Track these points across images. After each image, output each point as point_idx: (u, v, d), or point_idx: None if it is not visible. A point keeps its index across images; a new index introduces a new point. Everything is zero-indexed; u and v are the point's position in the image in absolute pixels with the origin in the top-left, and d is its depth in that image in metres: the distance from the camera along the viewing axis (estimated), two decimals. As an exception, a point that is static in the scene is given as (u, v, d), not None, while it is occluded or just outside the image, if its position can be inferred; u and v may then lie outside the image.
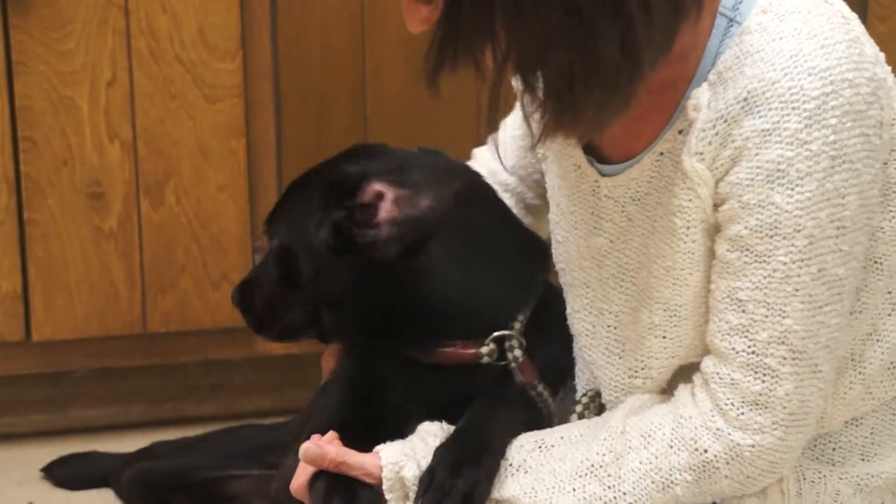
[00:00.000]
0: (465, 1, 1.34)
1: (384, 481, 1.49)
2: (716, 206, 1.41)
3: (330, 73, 2.60)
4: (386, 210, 1.58)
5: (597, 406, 1.61)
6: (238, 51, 2.46)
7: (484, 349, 1.63)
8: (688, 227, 1.43)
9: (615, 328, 1.54)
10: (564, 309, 1.69)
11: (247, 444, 1.87)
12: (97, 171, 2.46)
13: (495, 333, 1.63)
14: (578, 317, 1.59)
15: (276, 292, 1.72)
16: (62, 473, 2.51)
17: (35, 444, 2.57)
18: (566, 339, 1.68)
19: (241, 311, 1.78)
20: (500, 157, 1.80)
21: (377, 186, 1.59)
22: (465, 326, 1.63)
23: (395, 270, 1.60)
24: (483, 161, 1.88)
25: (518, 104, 1.73)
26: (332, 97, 2.62)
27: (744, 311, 1.40)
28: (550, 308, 1.68)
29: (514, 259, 1.69)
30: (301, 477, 1.53)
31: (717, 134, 1.38)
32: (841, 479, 1.52)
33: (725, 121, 1.37)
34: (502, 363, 1.64)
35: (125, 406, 2.66)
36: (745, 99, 1.36)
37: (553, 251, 1.66)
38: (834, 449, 1.53)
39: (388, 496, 1.49)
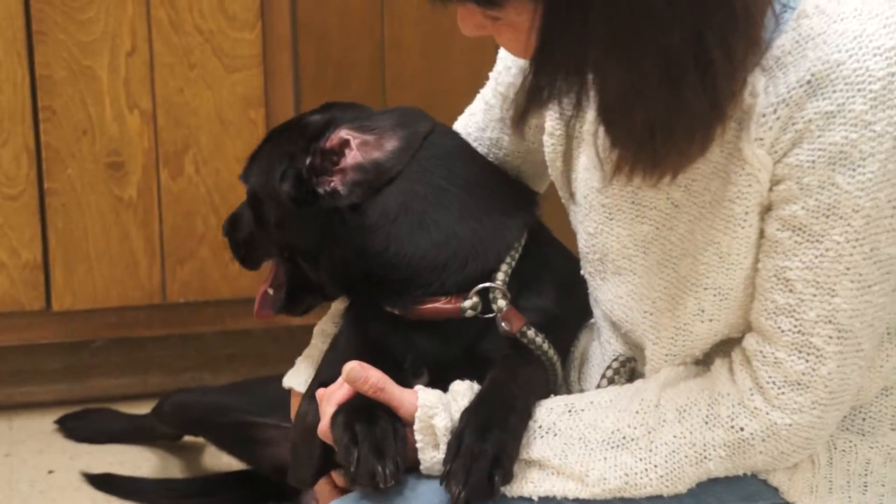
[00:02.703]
0: (559, 43, 1.33)
1: (417, 422, 1.49)
2: (769, 187, 1.41)
3: (349, 43, 2.60)
4: (352, 156, 1.59)
5: (627, 371, 1.60)
6: (257, 20, 2.46)
7: (467, 303, 1.60)
8: (746, 213, 1.42)
9: (651, 314, 1.53)
10: (554, 252, 1.69)
11: (287, 396, 1.89)
12: (117, 141, 2.46)
13: (479, 286, 1.61)
14: (621, 302, 1.58)
15: (253, 232, 1.77)
16: (74, 426, 2.56)
17: (55, 413, 2.58)
18: (557, 285, 1.67)
19: (229, 244, 1.84)
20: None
21: (343, 133, 1.60)
22: (443, 280, 1.61)
23: (356, 221, 1.60)
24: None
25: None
26: (351, 67, 2.61)
27: (791, 291, 1.41)
28: (538, 252, 1.66)
29: (492, 206, 1.65)
30: (325, 418, 1.54)
31: (778, 118, 1.37)
32: (871, 448, 1.52)
33: (787, 105, 1.36)
34: (489, 315, 1.61)
35: (144, 376, 2.67)
36: (809, 82, 1.35)
37: (583, 243, 1.64)
38: (864, 419, 1.53)
39: (417, 437, 1.49)
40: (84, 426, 2.55)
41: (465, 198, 1.63)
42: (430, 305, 1.61)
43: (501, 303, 1.60)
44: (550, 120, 1.64)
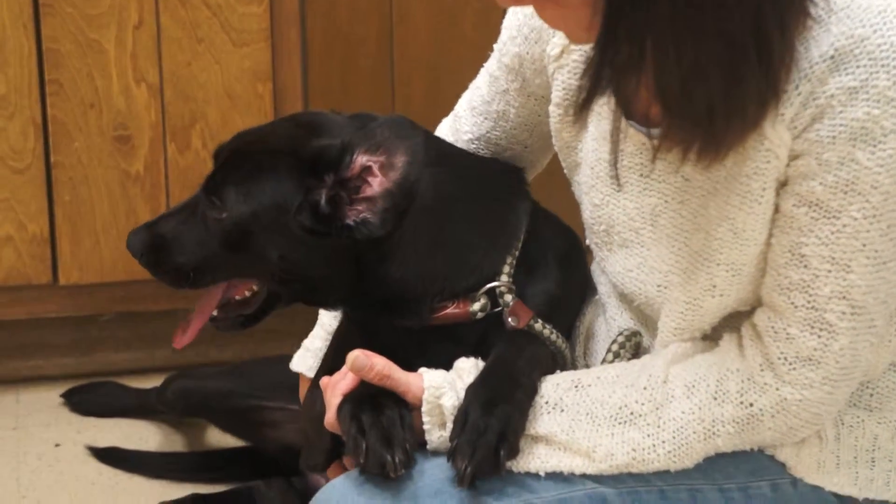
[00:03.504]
0: (622, 27, 1.32)
1: (424, 404, 1.49)
2: (787, 162, 1.41)
3: (357, 17, 2.59)
4: (377, 183, 1.52)
5: (633, 345, 1.61)
6: (265, -5, 2.46)
7: (476, 306, 1.60)
8: (764, 189, 1.42)
9: (665, 288, 1.53)
10: (551, 229, 1.68)
11: (290, 377, 1.89)
12: (124, 115, 2.46)
13: (485, 287, 1.60)
14: (631, 276, 1.57)
15: (219, 259, 1.62)
16: (80, 400, 2.57)
17: (62, 387, 2.59)
18: (558, 264, 1.66)
19: (150, 266, 1.66)
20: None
21: (363, 158, 1.52)
22: (454, 287, 1.60)
23: (376, 246, 1.56)
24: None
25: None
26: (359, 41, 2.61)
27: (806, 267, 1.40)
28: (537, 234, 1.65)
29: (494, 202, 1.64)
30: (331, 410, 1.54)
31: (799, 94, 1.36)
32: (879, 423, 1.52)
33: (809, 80, 1.36)
34: (497, 310, 1.61)
35: (151, 350, 2.67)
36: (832, 57, 1.35)
37: (588, 214, 1.64)
38: (872, 394, 1.53)
39: (425, 419, 1.49)
40: (90, 400, 2.56)
41: (469, 200, 1.62)
42: (440, 314, 1.60)
43: (508, 297, 1.60)
44: (557, 90, 1.63)
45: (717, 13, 1.29)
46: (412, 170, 1.51)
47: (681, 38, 1.30)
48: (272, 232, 1.57)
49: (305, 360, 1.85)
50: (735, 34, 1.30)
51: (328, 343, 1.82)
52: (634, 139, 1.52)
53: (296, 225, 1.55)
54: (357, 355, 1.51)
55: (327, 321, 1.83)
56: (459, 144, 1.77)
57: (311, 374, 1.82)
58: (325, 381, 1.57)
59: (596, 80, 1.37)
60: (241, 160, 1.62)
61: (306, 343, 1.86)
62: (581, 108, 1.41)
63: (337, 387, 1.53)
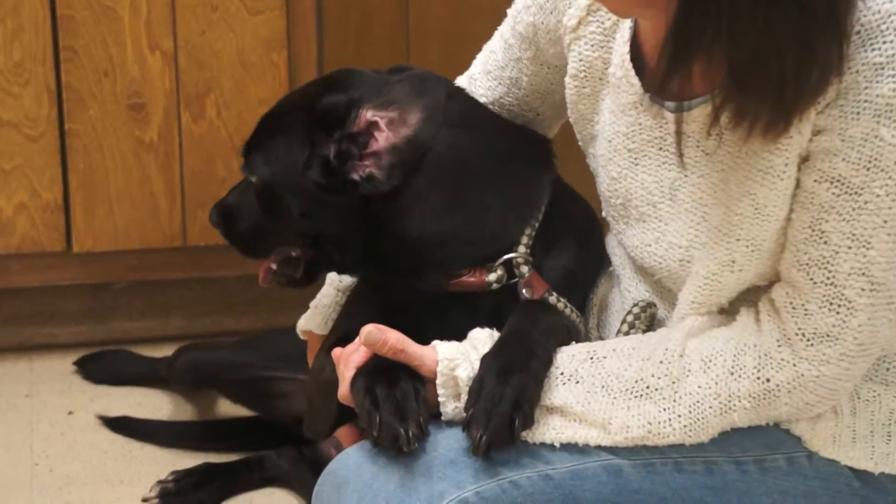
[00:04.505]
0: (700, 7, 1.31)
1: (439, 376, 1.49)
2: (809, 138, 1.40)
3: (372, -15, 2.58)
4: (383, 138, 1.52)
5: (647, 317, 1.60)
6: (280, -38, 2.44)
7: (492, 276, 1.60)
8: (786, 165, 1.41)
9: (688, 263, 1.52)
10: (571, 205, 1.68)
11: (299, 348, 1.89)
12: (138, 83, 2.45)
13: (503, 258, 1.60)
14: (650, 250, 1.56)
15: (262, 223, 1.67)
16: (93, 368, 2.57)
17: (75, 355, 2.60)
18: (576, 240, 1.66)
19: (225, 236, 1.75)
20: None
21: (369, 114, 1.52)
22: (473, 255, 1.60)
23: (390, 203, 1.55)
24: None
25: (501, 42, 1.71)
26: (375, 9, 2.60)
27: (826, 243, 1.40)
28: (558, 208, 1.65)
29: (517, 170, 1.63)
30: (344, 383, 1.53)
31: None
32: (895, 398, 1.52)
33: None
34: (513, 280, 1.61)
35: (164, 319, 2.67)
36: (858, 32, 1.34)
37: (605, 187, 1.63)
38: (888, 369, 1.52)
39: (440, 391, 1.49)
40: (102, 368, 2.57)
41: (491, 165, 1.61)
42: (456, 281, 1.60)
43: (524, 269, 1.60)
44: (573, 62, 1.62)
45: None
46: (426, 127, 1.52)
47: (757, 9, 1.29)
48: (291, 190, 1.59)
49: (314, 318, 1.84)
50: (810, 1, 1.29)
51: (336, 300, 1.82)
52: (653, 113, 1.50)
53: (309, 181, 1.56)
54: (370, 330, 1.50)
55: (336, 277, 1.83)
56: None
57: (319, 331, 1.82)
58: (336, 353, 1.57)
59: (673, 61, 1.35)
60: (263, 123, 1.66)
61: (313, 304, 1.85)
62: (658, 89, 1.41)
63: (350, 360, 1.53)
